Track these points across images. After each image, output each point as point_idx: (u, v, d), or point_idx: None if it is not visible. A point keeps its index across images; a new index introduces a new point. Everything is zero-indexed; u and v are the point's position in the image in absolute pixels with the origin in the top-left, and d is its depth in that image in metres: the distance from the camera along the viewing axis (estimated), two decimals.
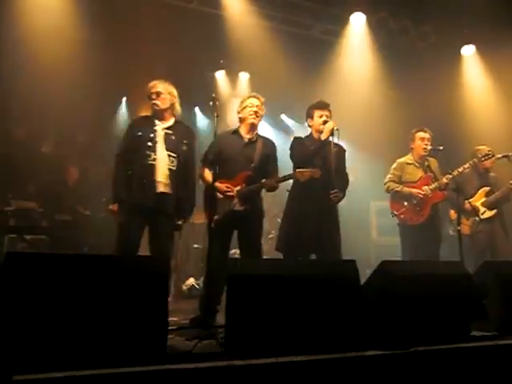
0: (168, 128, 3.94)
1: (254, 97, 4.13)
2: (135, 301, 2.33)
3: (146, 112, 4.25)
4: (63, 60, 6.27)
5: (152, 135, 3.85)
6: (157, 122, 3.94)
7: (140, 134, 3.85)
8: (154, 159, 3.78)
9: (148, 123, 3.94)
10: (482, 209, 5.28)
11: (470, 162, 4.95)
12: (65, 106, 6.76)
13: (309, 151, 4.04)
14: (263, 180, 3.95)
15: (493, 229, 5.24)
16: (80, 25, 6.07)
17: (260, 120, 4.13)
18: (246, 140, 4.04)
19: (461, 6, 5.86)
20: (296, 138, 4.31)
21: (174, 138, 3.91)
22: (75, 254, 2.54)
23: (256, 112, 4.04)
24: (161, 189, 3.77)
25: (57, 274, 2.24)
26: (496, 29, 6.17)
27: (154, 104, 3.95)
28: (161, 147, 3.85)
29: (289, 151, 4.24)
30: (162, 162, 3.82)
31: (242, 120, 4.11)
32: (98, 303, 2.25)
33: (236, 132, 4.10)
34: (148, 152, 3.78)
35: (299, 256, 3.90)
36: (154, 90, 3.99)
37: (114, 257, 3.11)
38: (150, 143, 3.81)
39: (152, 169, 3.77)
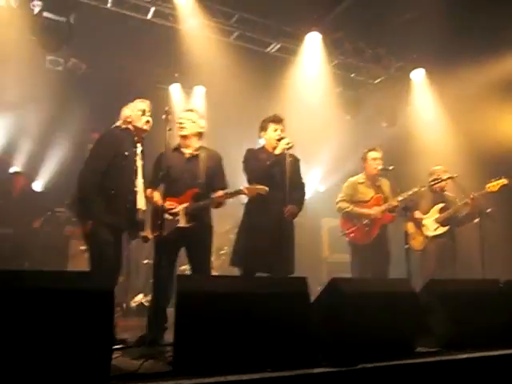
0: (141, 152, 3.86)
1: (188, 110, 4.09)
2: (78, 319, 2.22)
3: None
4: (10, 65, 6.05)
5: (136, 158, 3.74)
6: (137, 143, 3.80)
7: (127, 153, 3.67)
8: (136, 185, 3.70)
9: (131, 142, 3.76)
10: (435, 225, 5.40)
11: (419, 187, 5.06)
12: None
13: (264, 166, 4.04)
14: (212, 196, 3.91)
15: (444, 245, 5.34)
16: (30, 30, 5.86)
17: (192, 131, 3.96)
18: (187, 155, 3.96)
19: (412, 30, 6.10)
20: (249, 150, 4.25)
21: (143, 163, 3.85)
22: (15, 269, 2.40)
23: (181, 124, 3.94)
24: (140, 216, 3.72)
25: None
26: (444, 54, 6.45)
27: (145, 127, 3.77)
28: (140, 173, 3.77)
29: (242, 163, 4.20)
30: (141, 188, 3.75)
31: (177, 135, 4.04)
32: (38, 321, 2.14)
33: (177, 149, 4.01)
34: (133, 177, 3.69)
35: (254, 271, 3.90)
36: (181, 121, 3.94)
37: (57, 272, 2.98)
38: (135, 167, 3.72)
39: (135, 195, 3.69)
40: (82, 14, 5.88)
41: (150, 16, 6.11)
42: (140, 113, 3.76)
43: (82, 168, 3.66)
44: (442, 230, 5.38)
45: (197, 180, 3.88)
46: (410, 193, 4.94)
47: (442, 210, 5.42)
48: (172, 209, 3.79)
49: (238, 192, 3.84)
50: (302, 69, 7.24)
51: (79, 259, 6.01)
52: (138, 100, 3.86)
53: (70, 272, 3.34)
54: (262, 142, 4.32)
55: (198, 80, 7.87)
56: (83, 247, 5.99)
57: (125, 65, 7.05)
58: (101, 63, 7.02)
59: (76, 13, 5.81)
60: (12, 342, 2.07)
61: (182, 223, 3.80)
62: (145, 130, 3.81)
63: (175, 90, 8.09)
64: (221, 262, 6.77)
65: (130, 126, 3.77)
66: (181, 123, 3.96)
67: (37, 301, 2.17)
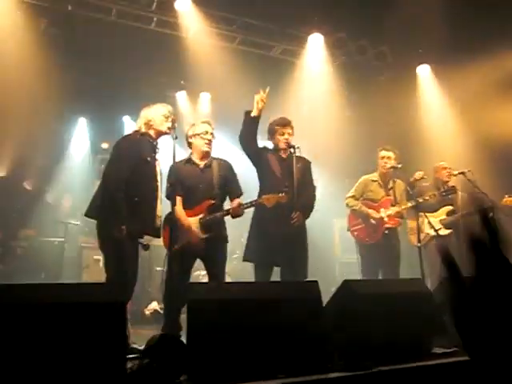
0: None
1: (207, 123, 4.01)
2: (92, 330, 2.24)
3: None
4: (21, 81, 6.12)
5: (155, 164, 3.68)
6: (156, 147, 3.73)
7: (149, 159, 3.61)
8: (157, 191, 3.63)
9: (151, 147, 3.68)
10: (438, 225, 5.29)
11: (430, 195, 4.98)
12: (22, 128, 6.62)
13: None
14: (229, 207, 3.88)
15: (448, 243, 5.20)
16: (38, 46, 5.92)
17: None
18: (202, 166, 3.95)
19: (416, 26, 6.06)
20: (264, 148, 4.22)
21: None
22: (29, 283, 2.43)
23: (210, 141, 3.94)
24: (158, 224, 3.64)
25: (10, 305, 2.14)
26: (450, 49, 6.40)
27: (167, 132, 3.67)
28: (159, 179, 3.71)
29: (252, 167, 4.19)
30: (159, 195, 3.68)
31: (193, 147, 4.00)
32: (54, 333, 2.16)
33: (189, 161, 3.99)
34: (155, 183, 3.62)
35: (266, 264, 3.91)
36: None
37: (70, 285, 3.01)
38: (155, 172, 3.65)
39: (156, 202, 3.62)
40: (88, 27, 5.94)
41: (153, 26, 6.14)
42: (163, 118, 3.67)
43: (105, 175, 3.57)
44: (444, 232, 5.27)
45: (212, 191, 3.87)
46: (420, 200, 4.83)
47: (449, 213, 5.33)
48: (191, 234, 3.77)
49: (257, 202, 3.79)
50: (306, 70, 7.23)
51: (93, 269, 6.06)
52: (160, 104, 3.78)
53: (84, 284, 3.35)
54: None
55: (203, 86, 7.90)
56: (97, 257, 6.07)
57: (132, 74, 7.09)
58: (108, 73, 7.06)
59: (82, 26, 5.87)
60: (26, 354, 2.09)
61: (200, 234, 3.80)
62: (166, 134, 3.71)
63: (182, 97, 8.12)
64: (232, 266, 6.77)
65: (150, 131, 3.69)
66: (210, 141, 3.94)
67: (54, 313, 2.19)
